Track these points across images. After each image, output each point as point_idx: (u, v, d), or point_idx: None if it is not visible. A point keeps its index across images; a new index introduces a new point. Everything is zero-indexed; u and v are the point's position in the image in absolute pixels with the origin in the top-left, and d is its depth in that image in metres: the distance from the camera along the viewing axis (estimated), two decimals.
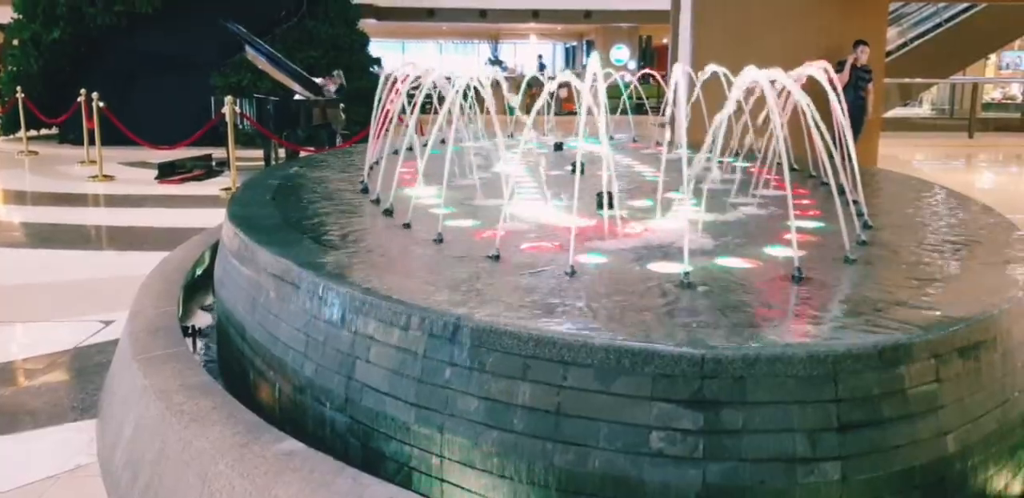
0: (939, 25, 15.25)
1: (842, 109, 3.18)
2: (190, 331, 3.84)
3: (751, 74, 2.78)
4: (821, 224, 3.28)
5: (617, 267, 2.61)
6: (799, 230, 3.09)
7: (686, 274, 2.39)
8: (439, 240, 2.95)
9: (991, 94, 21.87)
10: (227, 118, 9.16)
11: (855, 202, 3.22)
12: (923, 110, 22.02)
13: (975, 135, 16.92)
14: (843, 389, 1.87)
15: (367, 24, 18.06)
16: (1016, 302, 2.26)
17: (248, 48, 10.21)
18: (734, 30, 9.11)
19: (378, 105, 4.18)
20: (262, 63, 10.27)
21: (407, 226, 3.20)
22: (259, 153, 10.60)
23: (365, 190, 4.03)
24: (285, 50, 12.15)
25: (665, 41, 18.43)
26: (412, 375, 2.18)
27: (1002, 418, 2.14)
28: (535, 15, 22.27)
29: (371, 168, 4.41)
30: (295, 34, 14.10)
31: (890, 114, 16.84)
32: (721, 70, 3.69)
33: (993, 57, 21.63)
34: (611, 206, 3.33)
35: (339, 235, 3.12)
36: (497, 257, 2.70)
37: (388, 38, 25.50)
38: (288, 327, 2.65)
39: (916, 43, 15.75)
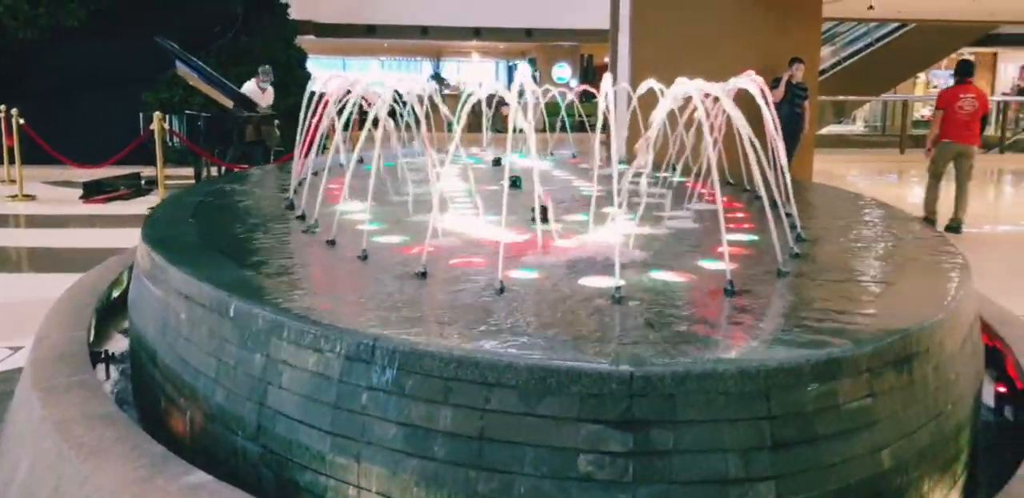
0: (870, 45, 15.71)
1: (774, 121, 3.16)
2: (103, 356, 3.64)
3: (683, 87, 2.73)
4: (755, 237, 3.24)
5: (548, 282, 2.52)
6: (733, 243, 3.04)
7: (617, 289, 2.31)
8: (364, 257, 2.82)
9: (921, 111, 22.58)
10: (156, 135, 8.88)
11: (788, 215, 3.19)
12: (856, 127, 22.62)
13: (906, 151, 17.41)
14: (776, 406, 1.80)
15: (307, 41, 17.87)
16: (947, 313, 2.22)
17: (179, 64, 9.95)
18: (672, 48, 9.20)
19: (304, 119, 4.04)
20: (194, 79, 10.01)
21: (331, 243, 3.06)
22: (192, 171, 10.31)
23: (291, 206, 3.88)
24: (219, 66, 11.89)
25: (607, 60, 18.64)
26: (327, 401, 2.04)
27: (936, 432, 2.09)
28: (477, 33, 22.32)
29: (299, 184, 4.26)
30: (230, 50, 13.83)
31: (824, 131, 17.24)
32: (657, 86, 3.66)
33: (922, 76, 22.38)
34: (545, 220, 3.25)
35: (257, 253, 2.97)
36: (424, 274, 2.58)
37: (329, 55, 25.28)
38: (198, 351, 2.49)
39: (849, 62, 16.21)
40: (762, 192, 3.09)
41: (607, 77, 3.06)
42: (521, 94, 2.81)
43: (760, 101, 3.06)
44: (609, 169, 4.03)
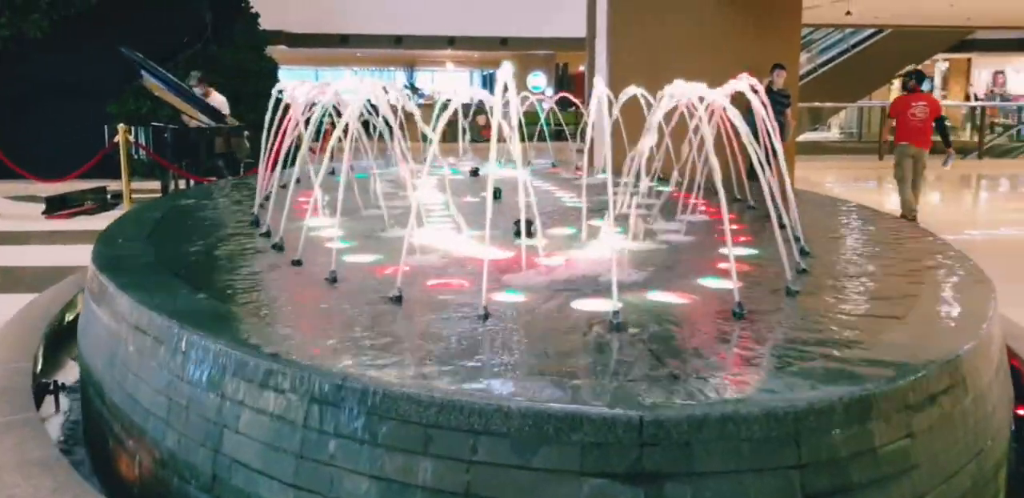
0: (846, 51, 15.67)
1: (772, 127, 2.97)
2: (52, 388, 3.35)
3: (679, 88, 2.51)
4: (755, 251, 3.03)
5: (537, 306, 2.28)
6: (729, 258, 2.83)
7: (616, 313, 2.07)
8: (332, 279, 2.57)
9: None
10: (121, 147, 8.55)
11: (785, 226, 2.97)
12: (831, 134, 22.60)
13: (885, 157, 17.36)
14: (807, 452, 1.57)
15: (279, 51, 17.55)
16: (982, 337, 2.01)
17: (144, 74, 9.63)
18: (650, 55, 9.03)
19: (270, 130, 3.78)
20: (159, 90, 9.69)
21: (297, 263, 2.80)
22: (159, 185, 9.96)
23: (256, 223, 3.61)
24: (187, 76, 11.55)
25: (582, 68, 18.49)
26: (290, 449, 1.78)
27: (977, 472, 1.87)
28: (451, 42, 22.09)
29: (265, 198, 4.00)
30: (199, 60, 13.49)
31: (800, 138, 17.17)
32: (639, 91, 3.46)
33: (896, 82, 22.45)
34: (530, 235, 3.01)
35: (216, 276, 2.71)
36: (399, 298, 2.33)
37: (301, 66, 24.97)
38: (148, 388, 2.23)
39: (824, 69, 16.16)
40: (754, 201, 2.88)
41: (599, 80, 2.84)
42: (505, 104, 2.58)
43: (757, 106, 2.87)
44: (591, 179, 3.81)
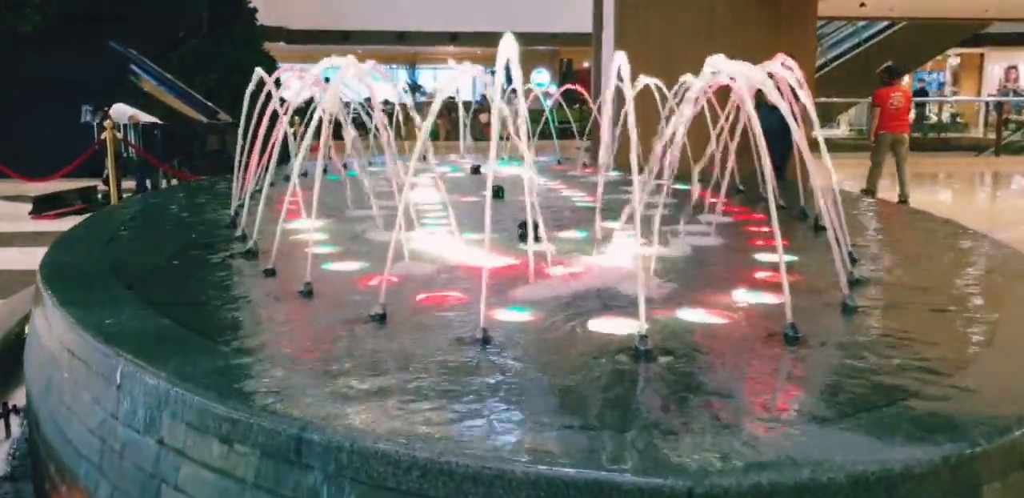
0: (857, 45, 15.26)
1: (811, 117, 2.63)
2: (3, 410, 3.00)
3: (718, 64, 2.15)
4: (793, 257, 2.65)
5: (546, 328, 1.91)
6: (767, 266, 2.47)
7: (642, 338, 1.70)
8: (307, 293, 2.20)
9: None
10: (108, 145, 8.20)
11: (823, 228, 2.59)
12: (840, 131, 22.17)
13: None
14: None
15: (279, 48, 17.23)
16: None
17: (135, 69, 9.31)
18: (658, 48, 8.64)
19: (248, 124, 3.42)
20: (150, 85, 9.37)
21: (270, 273, 2.43)
22: (148, 183, 9.62)
23: (233, 225, 3.25)
24: (183, 73, 11.21)
25: (587, 65, 18.13)
26: None
27: None
28: (453, 38, 21.74)
29: (249, 198, 3.64)
30: (194, 56, 13.15)
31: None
32: (653, 81, 3.11)
33: (906, 78, 22.00)
34: (536, 239, 2.64)
35: (175, 288, 2.35)
36: (382, 316, 1.96)
37: (303, 63, 24.69)
38: (81, 426, 1.86)
39: (835, 64, 15.77)
40: (785, 200, 2.52)
41: (619, 55, 2.49)
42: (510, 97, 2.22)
43: (795, 86, 2.53)
44: (600, 176, 3.44)
